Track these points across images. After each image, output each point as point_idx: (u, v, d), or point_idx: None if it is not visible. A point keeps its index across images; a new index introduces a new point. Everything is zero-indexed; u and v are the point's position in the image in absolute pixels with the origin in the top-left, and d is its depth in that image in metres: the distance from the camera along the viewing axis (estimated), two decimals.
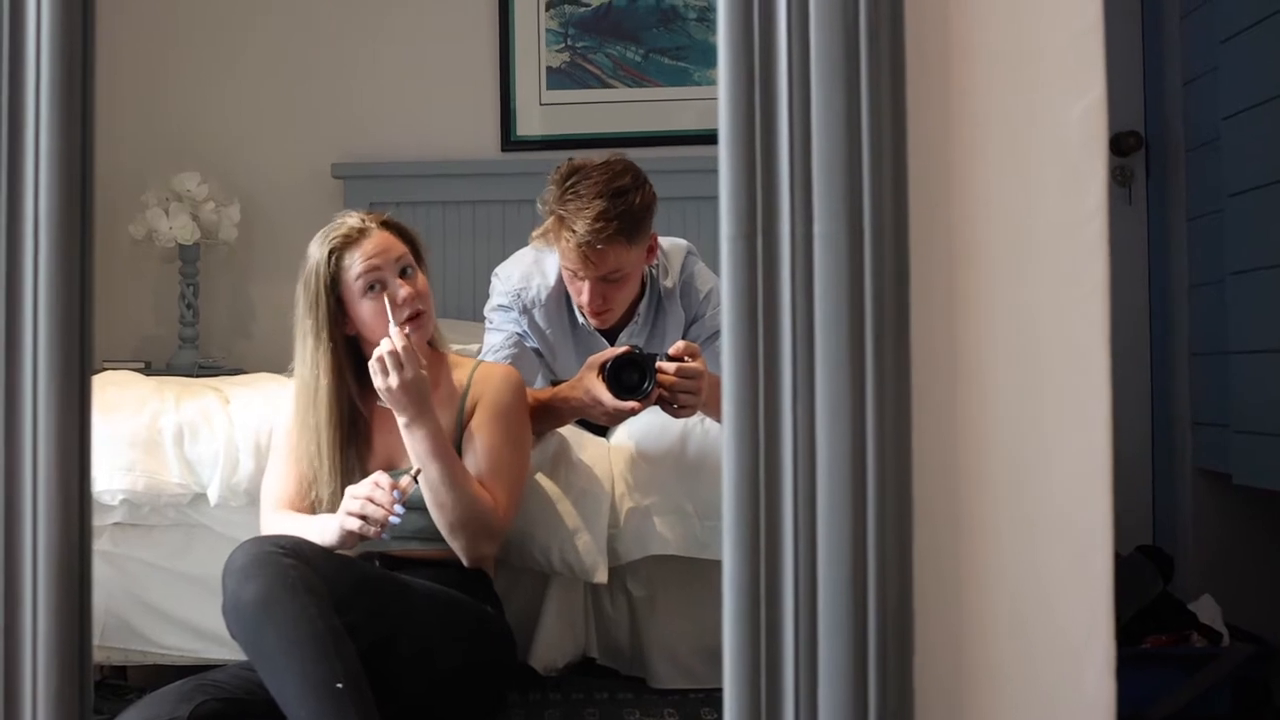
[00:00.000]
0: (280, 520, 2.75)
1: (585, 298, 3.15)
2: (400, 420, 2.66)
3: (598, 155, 3.19)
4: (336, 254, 2.77)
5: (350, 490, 2.62)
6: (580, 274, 3.13)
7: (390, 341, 2.64)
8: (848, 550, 1.51)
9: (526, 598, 2.96)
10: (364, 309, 2.76)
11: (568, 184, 3.09)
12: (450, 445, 2.71)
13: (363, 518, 2.57)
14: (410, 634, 2.55)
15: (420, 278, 2.81)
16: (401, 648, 2.53)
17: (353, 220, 2.80)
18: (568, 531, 2.88)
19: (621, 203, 3.06)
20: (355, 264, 2.76)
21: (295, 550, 2.46)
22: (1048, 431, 1.61)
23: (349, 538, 2.60)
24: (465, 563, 2.74)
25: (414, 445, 2.67)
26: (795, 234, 1.53)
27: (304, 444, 2.79)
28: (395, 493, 2.57)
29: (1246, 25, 3.83)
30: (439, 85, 5.29)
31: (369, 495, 2.58)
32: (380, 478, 2.60)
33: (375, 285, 2.75)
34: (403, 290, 2.75)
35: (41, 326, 1.60)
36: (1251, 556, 4.24)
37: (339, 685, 2.32)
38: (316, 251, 2.79)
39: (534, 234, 3.18)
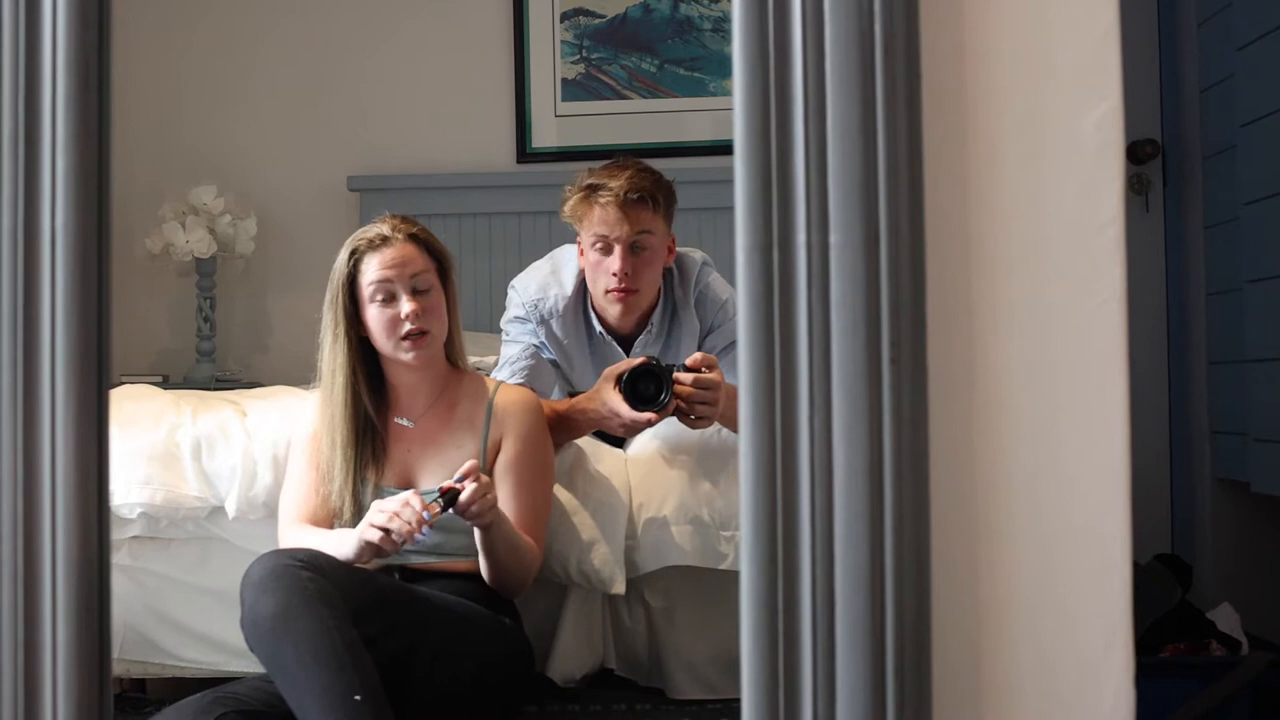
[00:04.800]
0: (298, 534, 2.75)
1: (616, 266, 3.17)
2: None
3: None
4: (357, 256, 2.80)
5: (378, 504, 2.62)
6: (612, 235, 3.17)
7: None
8: (865, 560, 1.51)
9: (544, 609, 2.96)
10: (370, 315, 2.79)
11: (598, 169, 3.26)
12: (512, 525, 2.73)
13: (385, 530, 2.56)
14: (428, 646, 2.55)
15: (436, 296, 2.81)
16: (420, 660, 2.53)
17: (382, 227, 2.82)
18: (585, 543, 2.88)
19: (650, 177, 3.23)
20: (370, 270, 2.78)
21: (312, 563, 2.46)
22: (1065, 440, 1.60)
23: (366, 549, 2.59)
24: (505, 596, 2.77)
25: (481, 535, 2.67)
26: (811, 244, 1.53)
27: (323, 441, 2.82)
28: (425, 514, 2.57)
29: (1263, 32, 3.83)
30: (454, 98, 5.29)
31: (397, 511, 2.58)
32: (412, 498, 2.60)
33: (385, 295, 2.76)
34: (408, 306, 2.76)
35: (59, 341, 1.60)
36: (1271, 564, 4.23)
37: (357, 698, 2.32)
38: (343, 250, 2.83)
39: (566, 206, 3.25)
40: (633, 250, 3.17)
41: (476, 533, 2.66)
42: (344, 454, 2.78)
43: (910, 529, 1.51)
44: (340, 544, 2.63)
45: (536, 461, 2.82)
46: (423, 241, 2.84)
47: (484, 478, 2.62)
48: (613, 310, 3.25)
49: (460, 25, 5.30)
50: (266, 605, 2.40)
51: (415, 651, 2.53)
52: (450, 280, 2.87)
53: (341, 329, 2.80)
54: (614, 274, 3.18)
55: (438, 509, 2.59)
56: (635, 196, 3.15)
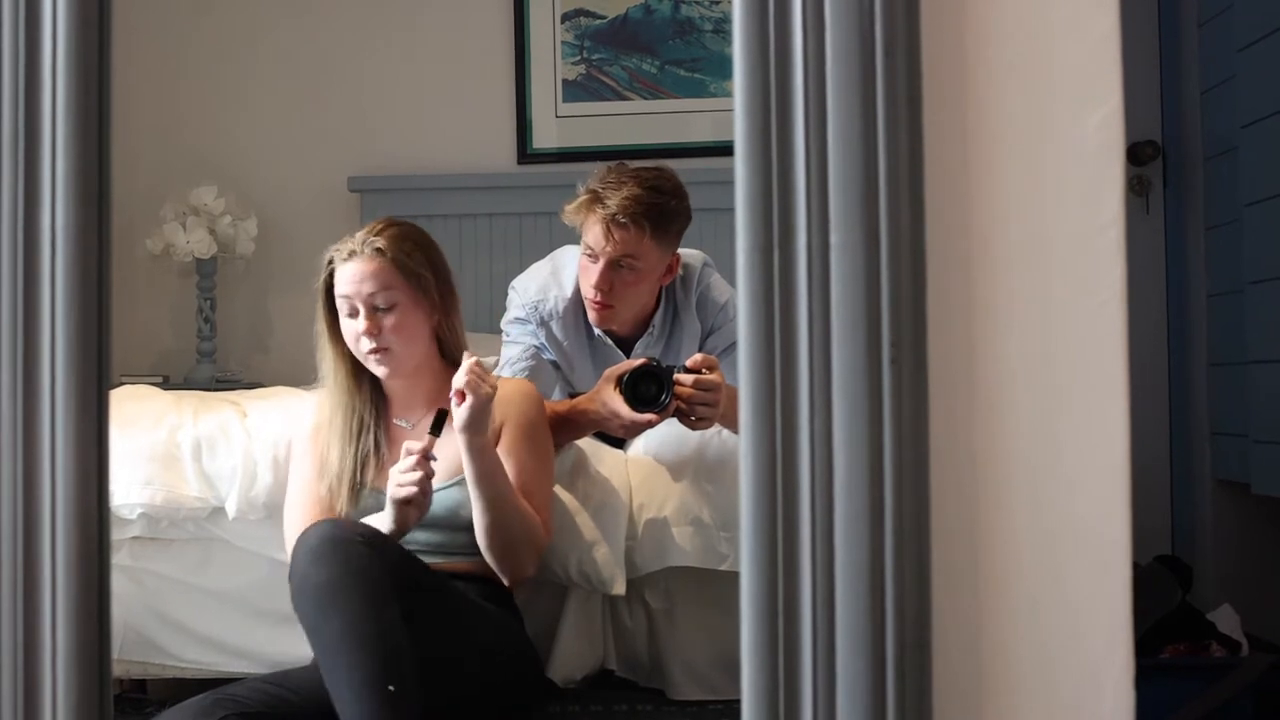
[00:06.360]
0: None
1: (594, 279, 3.17)
2: (462, 437, 2.64)
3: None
4: (331, 267, 2.82)
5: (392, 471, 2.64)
6: (597, 252, 3.16)
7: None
8: (865, 561, 1.51)
9: (545, 610, 2.96)
10: (342, 325, 2.81)
11: (612, 169, 3.22)
12: (502, 465, 2.72)
13: (414, 481, 2.57)
14: (453, 639, 2.56)
15: (401, 314, 2.76)
16: (441, 650, 2.53)
17: (352, 242, 2.80)
18: (586, 543, 2.88)
19: (656, 196, 3.16)
20: (339, 283, 2.79)
21: (371, 539, 2.48)
22: (1066, 442, 1.60)
23: (402, 511, 2.59)
24: (507, 583, 2.76)
25: (473, 463, 2.66)
26: (812, 245, 1.53)
27: (321, 439, 2.83)
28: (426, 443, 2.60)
29: (1264, 33, 3.83)
30: (455, 98, 5.29)
31: (404, 468, 2.59)
32: (410, 444, 2.61)
33: (348, 310, 2.78)
34: (362, 324, 2.74)
35: (59, 341, 1.60)
36: (1271, 566, 4.23)
37: (391, 688, 2.32)
38: (324, 257, 2.84)
39: (567, 207, 3.22)
40: (615, 267, 3.17)
41: (478, 491, 2.65)
42: (342, 454, 2.78)
43: (910, 529, 1.51)
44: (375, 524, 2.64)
45: (537, 444, 2.82)
46: (391, 258, 2.77)
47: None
48: (590, 316, 3.26)
49: (461, 26, 5.30)
50: (318, 574, 2.40)
51: (437, 641, 2.52)
52: (430, 291, 2.81)
53: (329, 332, 2.83)
54: (593, 285, 3.18)
55: (431, 437, 2.63)
56: (624, 220, 3.12)
